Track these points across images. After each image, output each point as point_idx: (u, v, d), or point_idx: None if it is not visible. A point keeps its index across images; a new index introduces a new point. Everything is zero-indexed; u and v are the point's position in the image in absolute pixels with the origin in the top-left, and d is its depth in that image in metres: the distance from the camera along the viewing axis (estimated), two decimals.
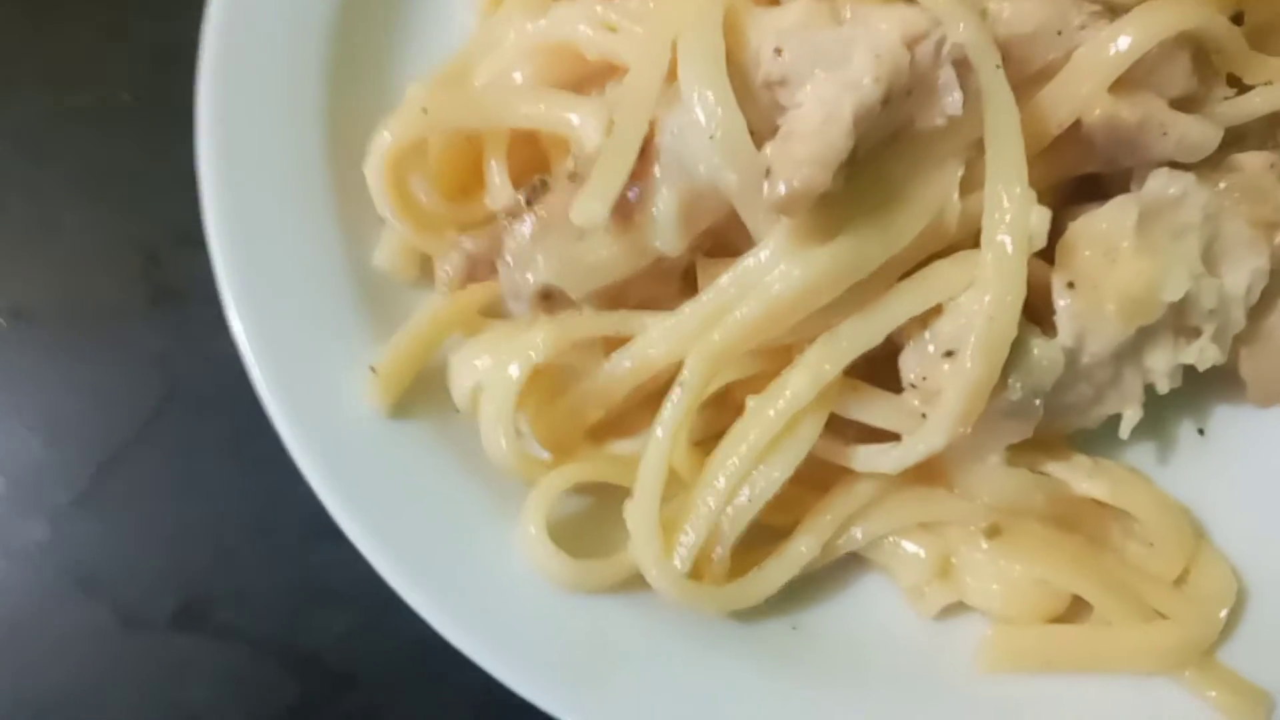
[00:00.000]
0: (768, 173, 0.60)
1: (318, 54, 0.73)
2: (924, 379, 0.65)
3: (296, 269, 0.69)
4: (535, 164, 0.72)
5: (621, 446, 0.69)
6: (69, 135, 0.83)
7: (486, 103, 0.69)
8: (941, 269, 0.64)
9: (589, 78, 0.71)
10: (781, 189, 0.59)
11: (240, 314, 0.67)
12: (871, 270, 0.63)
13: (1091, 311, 0.66)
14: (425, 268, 0.72)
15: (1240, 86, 0.69)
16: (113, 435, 0.77)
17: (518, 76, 0.71)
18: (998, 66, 0.61)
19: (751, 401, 0.65)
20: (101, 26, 0.85)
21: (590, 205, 0.60)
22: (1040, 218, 0.62)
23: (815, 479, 0.69)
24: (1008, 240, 0.62)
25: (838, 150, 0.59)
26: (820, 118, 0.60)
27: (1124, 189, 0.69)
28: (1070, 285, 0.66)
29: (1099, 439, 0.72)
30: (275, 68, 0.72)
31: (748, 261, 0.63)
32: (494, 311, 0.70)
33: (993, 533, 0.68)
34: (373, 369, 0.66)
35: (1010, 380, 0.64)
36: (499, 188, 0.70)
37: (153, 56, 0.83)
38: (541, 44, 0.71)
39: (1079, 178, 0.71)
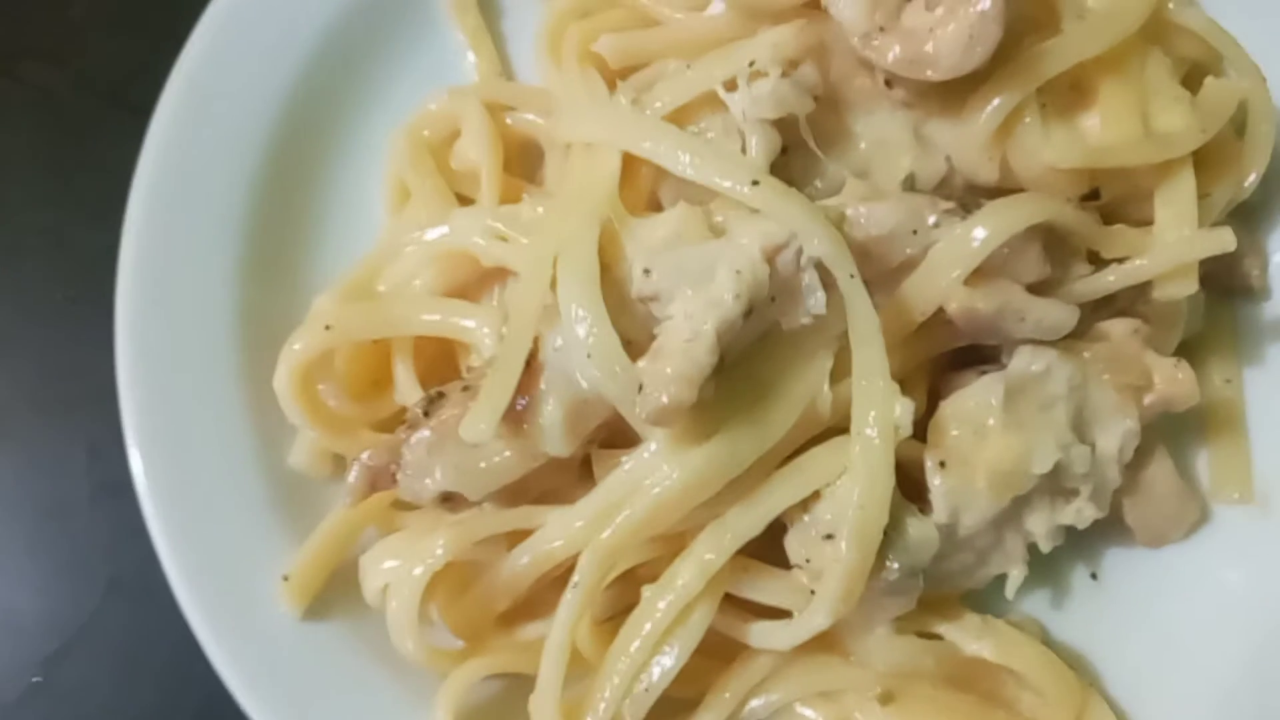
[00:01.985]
0: (640, 387, 0.64)
1: (233, 256, 0.79)
2: (808, 560, 0.69)
3: (213, 472, 0.74)
4: (442, 357, 0.77)
5: (532, 630, 0.73)
6: (8, 335, 0.87)
7: (388, 314, 0.73)
8: (817, 457, 0.68)
9: (487, 276, 0.76)
10: (652, 405, 0.63)
11: (157, 517, 0.72)
12: (747, 466, 0.67)
13: (964, 488, 0.69)
14: (340, 463, 0.76)
15: (1100, 261, 0.73)
16: (59, 628, 0.81)
17: (419, 283, 0.76)
18: (853, 275, 0.65)
19: (646, 591, 0.69)
20: (43, 230, 0.90)
21: (477, 425, 0.64)
22: (905, 411, 0.66)
23: (719, 649, 0.72)
24: (874, 434, 0.66)
25: (702, 367, 0.63)
26: (686, 334, 0.64)
27: (998, 353, 0.74)
28: (942, 464, 0.69)
29: (994, 589, 0.76)
30: (191, 271, 0.77)
31: (631, 463, 0.67)
32: (407, 503, 0.75)
33: (887, 699, 0.71)
34: (285, 578, 0.70)
35: (888, 560, 0.68)
36: (406, 387, 0.75)
37: (90, 258, 0.87)
38: (441, 253, 0.75)
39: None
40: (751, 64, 0.71)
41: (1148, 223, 0.74)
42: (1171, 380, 0.72)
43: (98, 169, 0.89)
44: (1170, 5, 0.78)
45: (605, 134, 0.71)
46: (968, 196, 0.73)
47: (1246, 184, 0.78)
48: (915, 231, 0.68)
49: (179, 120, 0.80)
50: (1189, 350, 0.78)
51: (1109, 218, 0.75)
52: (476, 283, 0.76)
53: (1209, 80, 0.79)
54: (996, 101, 0.70)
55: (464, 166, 0.81)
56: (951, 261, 0.68)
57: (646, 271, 0.66)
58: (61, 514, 0.83)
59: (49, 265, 0.90)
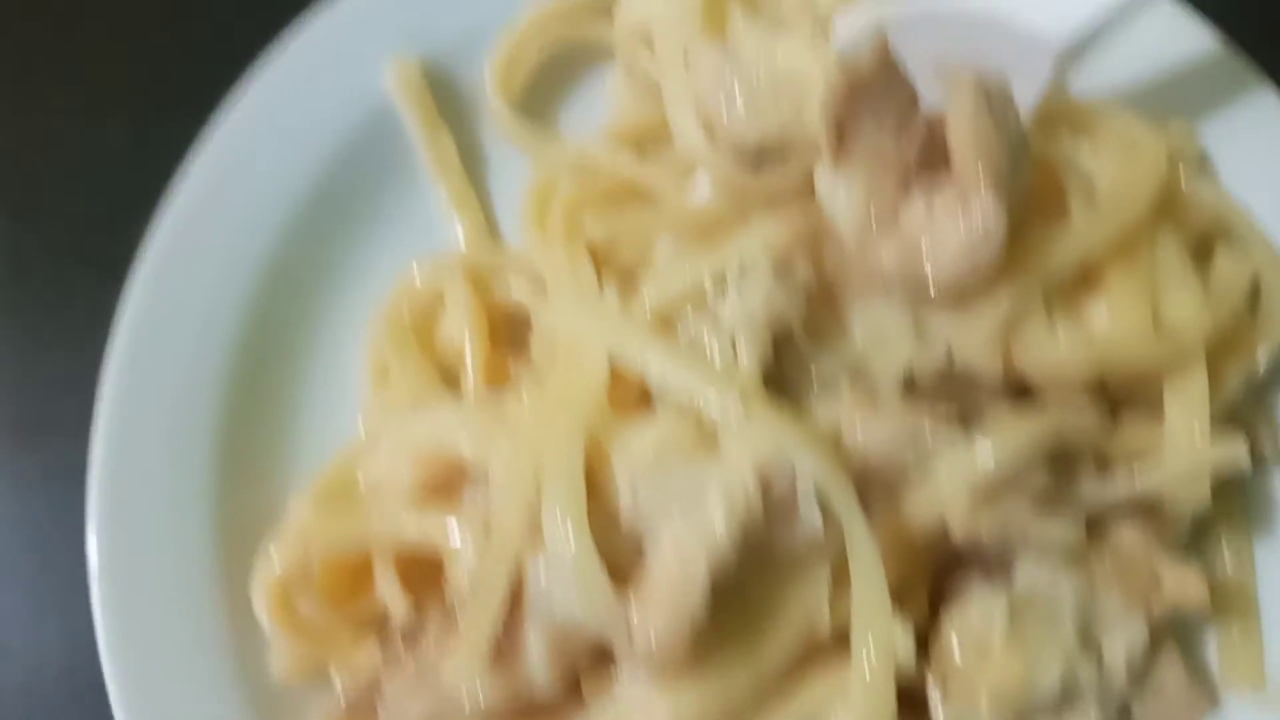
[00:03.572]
0: (629, 625, 0.61)
1: (208, 448, 0.75)
2: None
3: (190, 683, 0.71)
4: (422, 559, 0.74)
5: None
6: None
7: (366, 525, 0.70)
8: (814, 685, 0.65)
9: (469, 469, 0.74)
10: (642, 648, 0.60)
11: None
12: (742, 699, 0.64)
13: (967, 710, 0.67)
14: (323, 669, 0.73)
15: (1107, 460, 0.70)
16: None
17: (400, 478, 0.73)
18: (851, 504, 0.63)
19: None
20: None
21: (459, 670, 0.62)
22: (905, 640, 0.63)
23: None
24: (873, 666, 0.63)
25: (695, 611, 0.61)
26: (677, 571, 0.61)
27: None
28: (944, 685, 0.67)
29: None
30: (164, 467, 0.74)
31: (620, 697, 0.64)
32: None
33: None
34: None
35: None
36: (388, 592, 0.72)
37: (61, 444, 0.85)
38: (422, 449, 0.73)
39: None
40: (741, 266, 0.68)
41: (1158, 405, 0.72)
42: (1181, 586, 0.70)
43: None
44: (1182, 178, 0.76)
45: (591, 336, 0.68)
46: (969, 396, 0.70)
47: (1256, 365, 0.76)
48: (915, 444, 0.66)
49: (150, 300, 0.77)
50: (1197, 523, 0.76)
51: (1116, 402, 0.73)
52: (458, 476, 0.73)
53: (1220, 256, 0.76)
54: (1001, 301, 0.68)
55: (448, 345, 0.78)
56: (954, 483, 0.65)
57: (634, 493, 0.63)
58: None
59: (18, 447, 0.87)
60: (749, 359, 0.67)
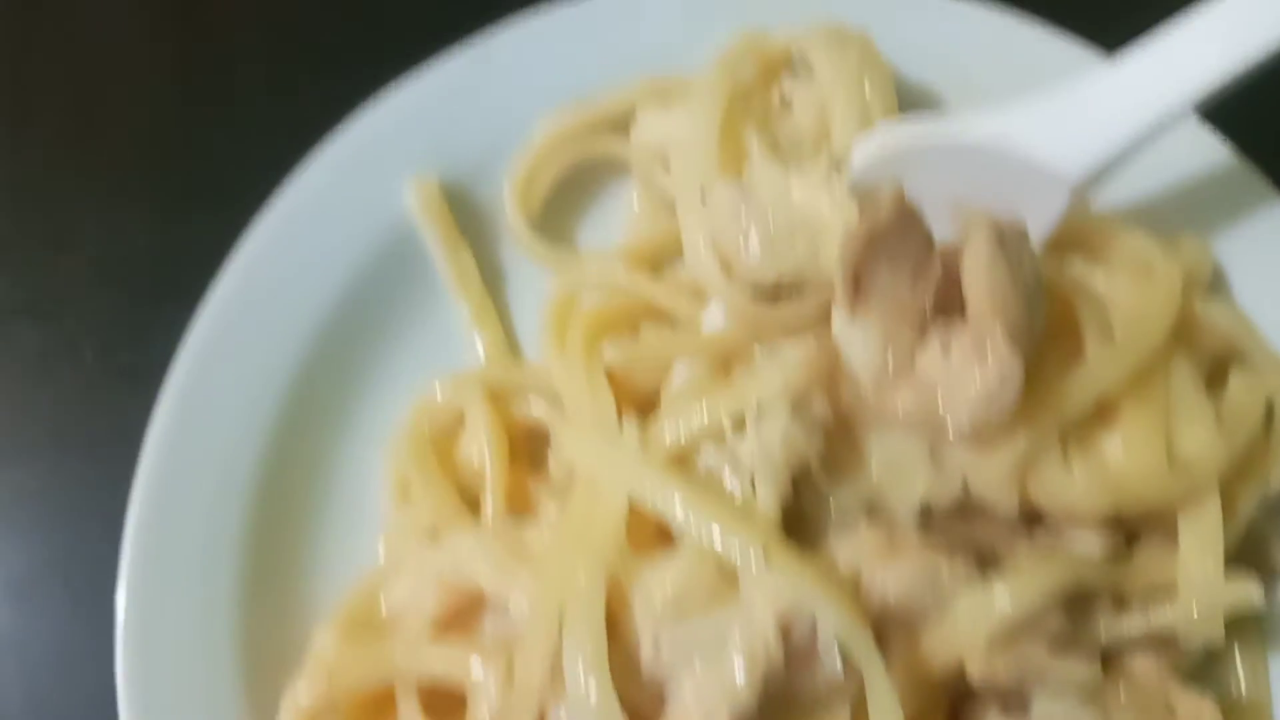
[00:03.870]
0: None
1: (232, 574, 0.76)
2: None
3: None
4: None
5: None
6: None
7: (390, 659, 0.71)
8: None
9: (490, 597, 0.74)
10: None
11: None
12: None
13: None
14: None
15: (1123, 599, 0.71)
16: None
17: (422, 606, 0.73)
18: (871, 653, 0.63)
19: None
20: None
21: None
22: None
23: None
24: None
25: None
26: None
27: None
28: None
29: None
30: (188, 595, 0.74)
31: None
32: None
33: None
34: None
35: None
36: None
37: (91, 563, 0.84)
38: (443, 579, 0.73)
39: None
40: (759, 406, 0.68)
41: (1173, 532, 0.73)
42: (1196, 716, 0.70)
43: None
44: (1197, 301, 0.77)
45: (609, 475, 0.69)
46: (985, 527, 0.71)
47: (1270, 487, 0.76)
48: (934, 589, 0.66)
49: (176, 422, 0.77)
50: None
51: (1132, 529, 0.74)
52: (479, 603, 0.74)
53: (1234, 379, 0.77)
54: (1018, 441, 0.68)
55: (468, 466, 0.79)
56: (972, 629, 0.66)
57: (655, 643, 0.64)
58: None
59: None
60: (768, 501, 0.68)
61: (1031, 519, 0.73)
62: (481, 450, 0.78)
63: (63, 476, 0.89)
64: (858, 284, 0.66)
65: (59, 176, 0.98)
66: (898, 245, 0.66)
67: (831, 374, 0.71)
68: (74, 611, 0.86)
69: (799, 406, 0.69)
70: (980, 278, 0.63)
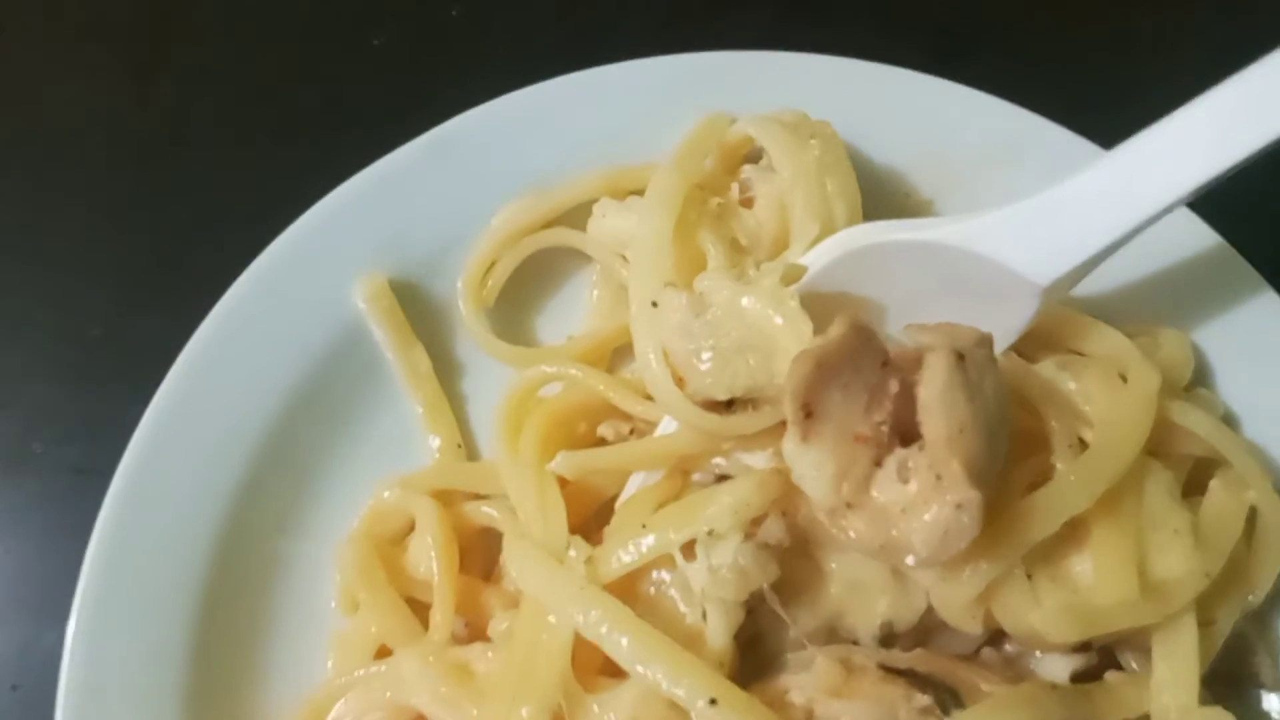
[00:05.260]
0: None
1: (177, 677, 0.73)
2: None
3: None
4: None
5: None
6: None
7: None
8: None
9: None
10: None
11: None
12: None
13: None
14: None
15: None
16: None
17: None
18: None
19: None
20: None
21: None
22: None
23: None
24: None
25: None
26: None
27: None
28: None
29: None
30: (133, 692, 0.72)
31: None
32: None
33: None
34: None
35: None
36: None
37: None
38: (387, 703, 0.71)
39: None
40: (710, 532, 0.66)
41: (1146, 652, 0.69)
42: None
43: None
44: (1175, 406, 0.73)
45: (556, 605, 0.66)
46: (949, 659, 0.68)
47: (1253, 598, 0.73)
48: None
49: (122, 518, 0.75)
50: None
51: (1102, 651, 0.71)
52: None
53: (1214, 488, 0.73)
54: (981, 565, 0.65)
55: (417, 573, 0.77)
56: None
57: None
58: None
59: None
60: (718, 631, 0.65)
61: (999, 633, 0.70)
62: (430, 559, 0.76)
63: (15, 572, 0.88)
64: (808, 410, 0.62)
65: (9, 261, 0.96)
66: (850, 368, 0.63)
67: (788, 492, 0.68)
68: (22, 715, 0.84)
69: (753, 527, 0.66)
70: (935, 410, 0.60)
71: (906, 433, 0.65)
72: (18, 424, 0.90)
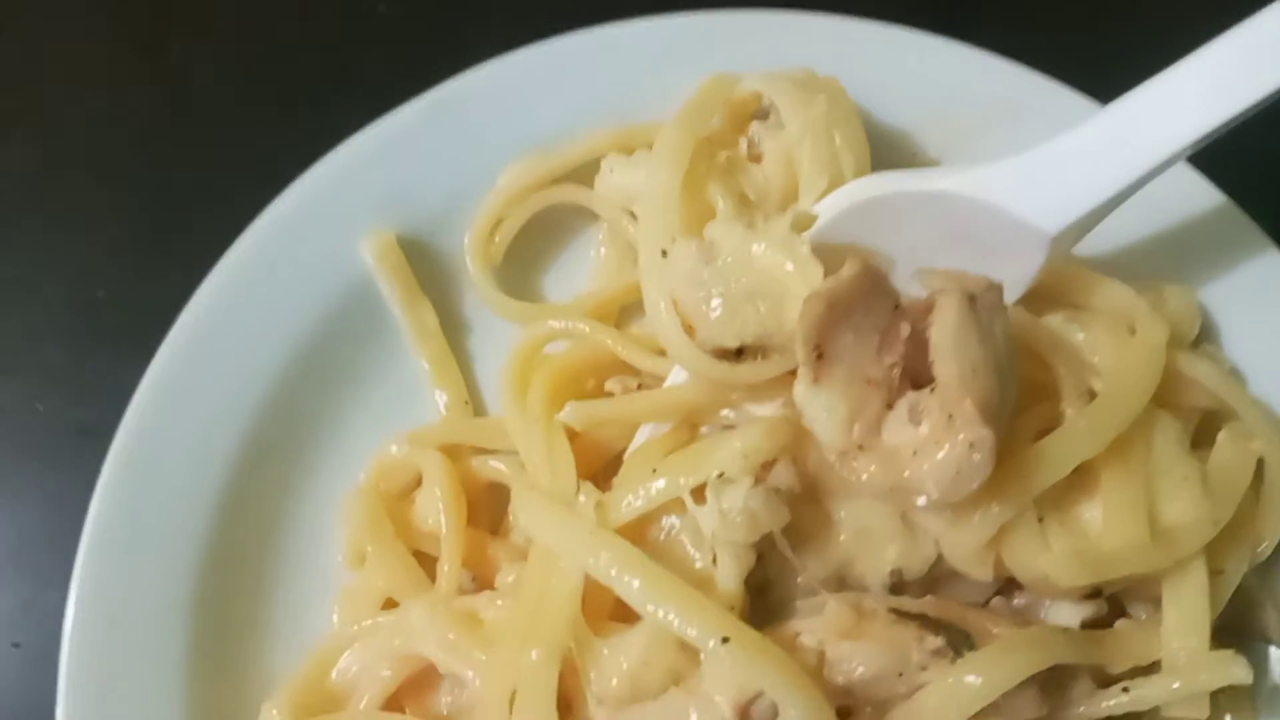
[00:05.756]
0: None
1: (181, 641, 0.73)
2: None
3: None
4: None
5: None
6: None
7: None
8: None
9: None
10: None
11: None
12: None
13: None
14: None
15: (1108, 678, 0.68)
16: None
17: (374, 677, 0.71)
18: None
19: None
20: None
21: None
22: None
23: None
24: None
25: None
26: None
27: None
28: None
29: None
30: (138, 651, 0.72)
31: None
32: None
33: None
34: None
35: None
36: None
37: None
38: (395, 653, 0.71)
39: None
40: (721, 475, 0.65)
41: (1155, 601, 0.70)
42: None
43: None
44: (1183, 356, 0.74)
45: (566, 550, 0.66)
46: (959, 593, 0.68)
47: (1261, 549, 0.73)
48: (901, 674, 0.63)
49: (126, 475, 0.75)
50: None
51: (1111, 600, 0.71)
52: (433, 673, 0.72)
53: (1222, 440, 0.73)
54: (992, 508, 0.65)
55: (424, 526, 0.77)
56: (941, 712, 0.62)
57: None
58: None
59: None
60: (729, 575, 0.65)
61: (1009, 584, 0.70)
62: (437, 514, 0.75)
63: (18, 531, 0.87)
64: (820, 351, 0.62)
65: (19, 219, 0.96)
66: (862, 310, 0.63)
67: (798, 439, 0.68)
68: (23, 673, 0.84)
69: (763, 471, 0.66)
70: (948, 350, 0.60)
71: (917, 378, 0.65)
72: (24, 385, 0.90)
